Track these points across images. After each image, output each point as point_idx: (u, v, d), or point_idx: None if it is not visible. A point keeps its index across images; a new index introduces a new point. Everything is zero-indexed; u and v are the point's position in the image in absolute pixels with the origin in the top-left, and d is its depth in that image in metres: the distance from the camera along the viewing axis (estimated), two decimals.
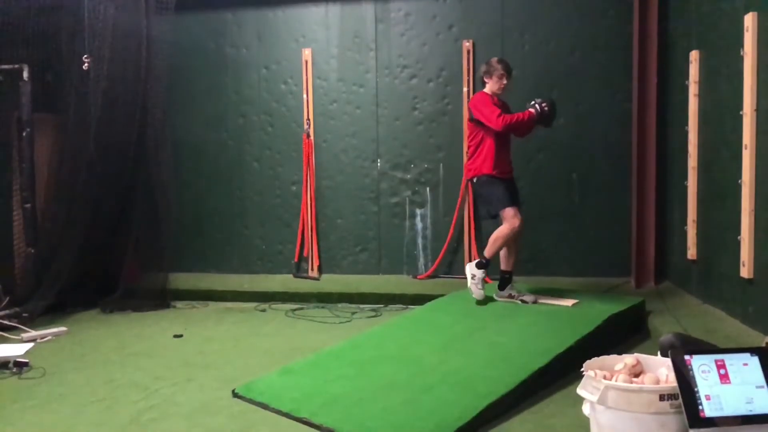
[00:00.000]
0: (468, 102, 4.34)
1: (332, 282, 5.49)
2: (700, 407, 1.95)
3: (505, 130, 4.03)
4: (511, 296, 4.20)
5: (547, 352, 3.18)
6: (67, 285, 4.92)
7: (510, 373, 2.97)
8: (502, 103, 4.20)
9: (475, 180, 4.19)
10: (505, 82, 4.16)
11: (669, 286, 4.82)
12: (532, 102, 4.15)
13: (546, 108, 4.10)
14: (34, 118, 4.96)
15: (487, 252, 4.10)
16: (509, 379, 2.91)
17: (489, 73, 4.18)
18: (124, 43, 5.09)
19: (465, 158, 5.37)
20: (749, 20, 3.25)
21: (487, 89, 4.16)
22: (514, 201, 4.13)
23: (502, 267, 4.24)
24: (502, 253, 4.23)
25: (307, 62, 5.65)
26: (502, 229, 4.04)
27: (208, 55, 5.83)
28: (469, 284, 4.14)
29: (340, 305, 5.12)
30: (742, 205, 3.34)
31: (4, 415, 2.89)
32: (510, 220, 4.02)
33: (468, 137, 4.23)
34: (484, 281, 4.15)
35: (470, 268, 4.14)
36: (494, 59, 4.24)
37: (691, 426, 1.92)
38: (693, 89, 4.18)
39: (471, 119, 4.18)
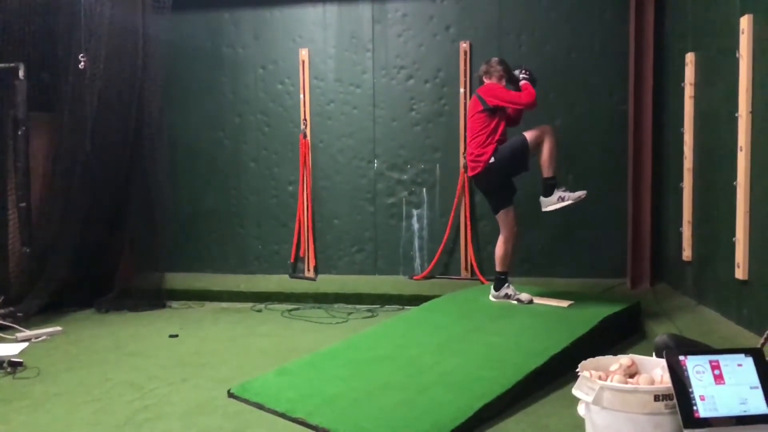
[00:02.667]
0: (472, 97, 4.19)
1: (328, 282, 5.49)
2: (695, 408, 1.95)
3: (534, 103, 4.02)
4: (507, 296, 4.21)
5: (542, 353, 3.18)
6: (62, 284, 4.91)
7: (505, 374, 2.97)
8: None
9: (492, 160, 4.03)
10: (504, 83, 4.14)
11: (664, 287, 4.84)
12: (519, 76, 4.12)
13: (529, 71, 4.14)
14: (29, 117, 4.95)
15: (548, 173, 3.97)
16: (505, 379, 2.91)
17: (489, 74, 4.17)
18: (121, 42, 5.08)
19: (462, 158, 5.38)
20: (745, 23, 3.26)
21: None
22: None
23: (498, 268, 4.24)
24: (498, 254, 4.22)
25: (304, 62, 5.65)
26: (548, 142, 3.96)
27: (205, 55, 5.82)
28: (558, 206, 3.98)
29: (336, 306, 5.12)
30: (737, 206, 3.35)
31: None
32: (538, 129, 3.99)
33: (477, 130, 4.07)
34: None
35: (551, 202, 3.98)
36: (495, 59, 4.23)
37: (686, 426, 1.93)
38: (689, 91, 4.20)
39: (485, 109, 4.04)
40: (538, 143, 4.00)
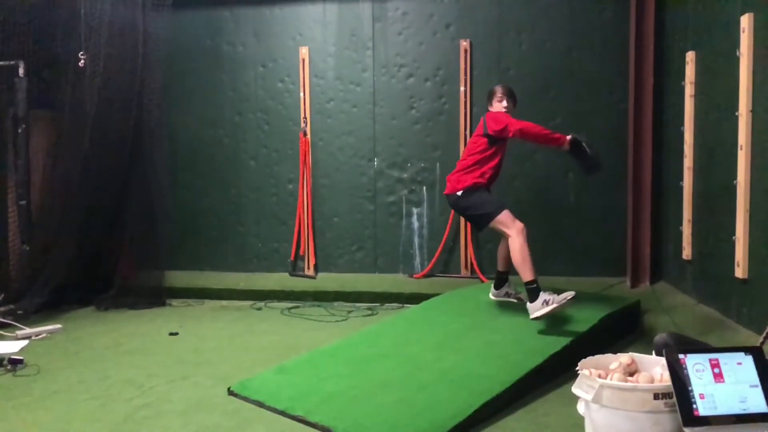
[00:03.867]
0: (487, 117, 3.95)
1: (328, 280, 5.49)
2: (694, 406, 1.95)
3: (518, 132, 3.72)
4: (507, 295, 4.21)
5: (542, 351, 3.19)
6: (62, 282, 4.91)
7: (505, 372, 2.98)
8: None
9: (461, 193, 3.84)
10: (506, 104, 3.96)
11: (664, 285, 4.84)
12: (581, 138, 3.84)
13: (585, 146, 3.77)
14: (29, 114, 4.95)
15: (526, 276, 3.57)
16: (504, 377, 2.92)
17: (490, 99, 4.04)
18: (121, 39, 5.08)
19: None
20: (745, 21, 3.26)
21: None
22: (505, 205, 3.80)
23: (499, 268, 4.23)
24: (500, 254, 4.18)
25: (304, 60, 5.65)
26: (514, 242, 3.62)
27: (205, 53, 5.81)
28: (545, 312, 3.45)
29: (336, 304, 5.13)
30: (737, 205, 3.35)
31: None
32: (512, 225, 3.66)
33: (470, 152, 3.92)
34: (559, 300, 3.44)
35: (536, 307, 3.50)
36: (496, 85, 4.12)
37: (685, 424, 1.93)
38: (689, 90, 4.20)
39: (485, 134, 3.86)
40: (501, 231, 3.74)
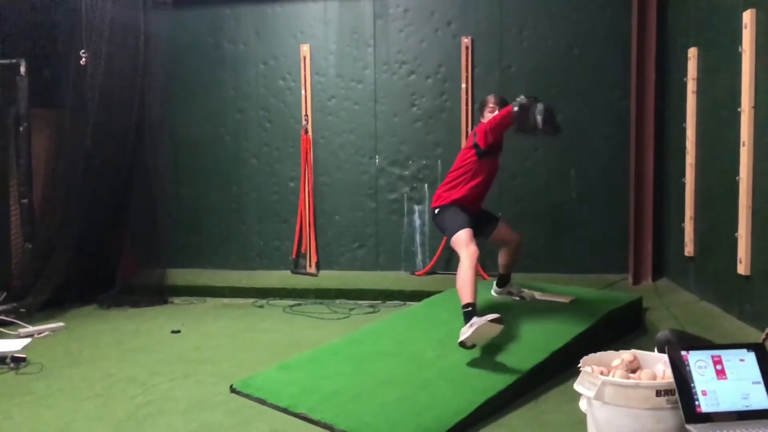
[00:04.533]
0: (477, 128, 3.77)
1: (330, 278, 5.49)
2: (697, 403, 1.95)
3: (491, 128, 3.53)
4: (509, 293, 4.20)
5: (544, 348, 3.19)
6: (64, 280, 4.91)
7: (507, 369, 2.98)
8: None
9: (437, 210, 3.73)
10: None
11: (666, 282, 4.83)
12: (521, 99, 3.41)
13: (531, 107, 3.34)
14: (31, 113, 4.95)
15: (463, 299, 3.31)
16: (506, 375, 2.92)
17: (482, 109, 3.91)
18: (122, 38, 5.07)
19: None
20: (748, 17, 3.25)
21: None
22: (469, 224, 3.57)
23: (500, 271, 4.19)
24: (500, 260, 4.05)
25: (305, 58, 5.64)
26: (462, 264, 3.39)
27: (206, 51, 5.81)
28: (467, 335, 3.10)
29: (337, 301, 5.13)
30: (740, 201, 3.34)
31: (2, 410, 2.89)
32: (464, 246, 3.44)
33: (457, 164, 3.77)
34: (486, 323, 3.09)
35: (464, 331, 3.13)
36: (489, 95, 3.98)
37: (688, 421, 1.93)
38: (691, 86, 4.19)
39: (473, 145, 3.70)
40: (457, 251, 3.57)
